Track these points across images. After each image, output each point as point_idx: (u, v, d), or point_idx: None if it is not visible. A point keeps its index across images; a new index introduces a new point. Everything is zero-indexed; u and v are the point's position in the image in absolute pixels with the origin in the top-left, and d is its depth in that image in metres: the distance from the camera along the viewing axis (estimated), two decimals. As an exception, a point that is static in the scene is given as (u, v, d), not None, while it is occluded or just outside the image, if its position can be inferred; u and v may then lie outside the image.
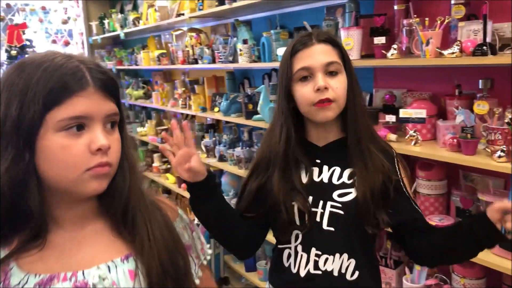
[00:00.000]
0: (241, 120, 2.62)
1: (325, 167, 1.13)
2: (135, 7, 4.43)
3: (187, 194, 3.43)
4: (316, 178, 1.13)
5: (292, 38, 2.43)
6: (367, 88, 2.16)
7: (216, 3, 2.75)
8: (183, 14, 3.17)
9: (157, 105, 3.81)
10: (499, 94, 1.60)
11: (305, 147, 1.13)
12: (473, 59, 1.44)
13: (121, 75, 4.77)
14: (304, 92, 1.07)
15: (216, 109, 2.95)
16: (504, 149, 1.41)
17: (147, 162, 4.25)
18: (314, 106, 1.06)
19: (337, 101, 1.07)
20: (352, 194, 1.10)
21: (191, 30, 3.34)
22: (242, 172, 2.67)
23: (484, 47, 1.43)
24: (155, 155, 4.07)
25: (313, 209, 1.10)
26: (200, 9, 2.94)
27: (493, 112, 1.49)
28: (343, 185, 1.11)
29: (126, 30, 4.09)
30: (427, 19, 1.60)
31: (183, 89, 3.44)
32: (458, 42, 1.50)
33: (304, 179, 1.13)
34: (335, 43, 1.10)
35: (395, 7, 1.86)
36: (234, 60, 2.68)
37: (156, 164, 4.03)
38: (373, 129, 1.17)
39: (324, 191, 1.11)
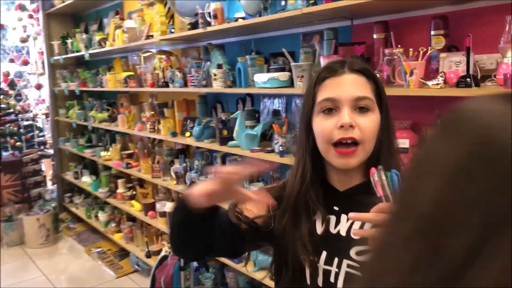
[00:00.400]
0: (215, 146, 2.54)
1: (344, 217, 0.94)
2: (100, 28, 4.30)
3: (153, 223, 3.32)
4: (332, 229, 0.94)
5: (268, 64, 2.40)
6: (345, 116, 2.15)
7: (188, 26, 2.70)
8: (152, 36, 3.09)
9: (122, 128, 3.67)
10: (479, 125, 1.61)
11: (324, 191, 0.96)
12: (458, 90, 1.45)
13: (84, 97, 4.59)
14: (324, 127, 0.89)
15: (188, 134, 2.86)
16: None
17: (110, 188, 4.06)
18: (333, 149, 0.89)
19: (364, 144, 0.89)
20: None
21: (161, 52, 3.26)
22: (215, 200, 2.57)
23: (468, 79, 1.44)
24: (120, 181, 3.90)
25: (326, 267, 0.91)
26: (171, 32, 2.88)
27: (476, 143, 1.49)
28: (363, 241, 0.91)
29: (91, 51, 3.95)
30: (411, 49, 1.60)
31: (152, 112, 3.33)
32: (442, 73, 1.50)
33: (319, 229, 0.95)
34: (371, 76, 0.93)
35: (375, 36, 1.86)
36: (208, 84, 2.61)
37: (120, 190, 3.86)
38: None
39: (341, 246, 0.92)
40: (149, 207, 3.40)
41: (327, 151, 0.91)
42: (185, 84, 2.82)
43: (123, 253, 3.76)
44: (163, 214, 3.19)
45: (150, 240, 3.48)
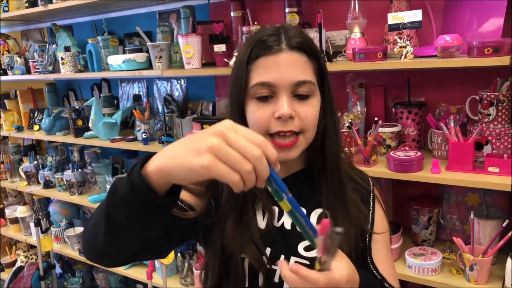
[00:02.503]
0: (70, 139, 2.28)
1: None
2: None
3: (3, 231, 2.91)
4: (276, 223, 0.80)
5: (124, 45, 2.22)
6: (210, 98, 2.10)
7: (26, 4, 2.35)
8: (-20, 16, 2.65)
9: (-47, 126, 3.11)
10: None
11: None
12: (313, 66, 1.48)
13: None
14: (259, 116, 0.75)
15: (36, 127, 2.53)
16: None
17: None
18: (270, 141, 0.75)
19: (305, 133, 0.76)
20: None
21: (-5, 35, 2.82)
22: (75, 199, 2.34)
23: (322, 55, 1.48)
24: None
25: (271, 266, 0.78)
26: (5, 11, 2.49)
27: (333, 116, 1.56)
28: None
29: None
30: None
31: (-11, 105, 2.88)
32: (298, 49, 1.53)
33: (262, 223, 0.80)
34: (312, 52, 0.77)
35: (232, 14, 1.82)
36: (56, 70, 2.32)
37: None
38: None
39: (287, 241, 0.79)
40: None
41: None
42: (28, 71, 2.49)
43: (-32, 271, 3.24)
44: (14, 221, 2.81)
45: (1, 251, 3.05)
